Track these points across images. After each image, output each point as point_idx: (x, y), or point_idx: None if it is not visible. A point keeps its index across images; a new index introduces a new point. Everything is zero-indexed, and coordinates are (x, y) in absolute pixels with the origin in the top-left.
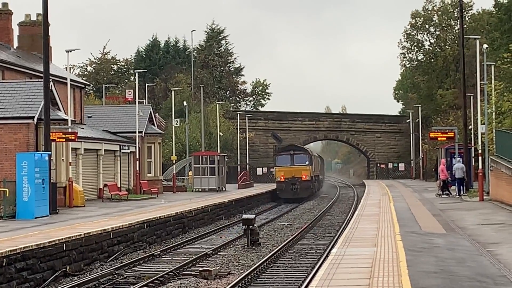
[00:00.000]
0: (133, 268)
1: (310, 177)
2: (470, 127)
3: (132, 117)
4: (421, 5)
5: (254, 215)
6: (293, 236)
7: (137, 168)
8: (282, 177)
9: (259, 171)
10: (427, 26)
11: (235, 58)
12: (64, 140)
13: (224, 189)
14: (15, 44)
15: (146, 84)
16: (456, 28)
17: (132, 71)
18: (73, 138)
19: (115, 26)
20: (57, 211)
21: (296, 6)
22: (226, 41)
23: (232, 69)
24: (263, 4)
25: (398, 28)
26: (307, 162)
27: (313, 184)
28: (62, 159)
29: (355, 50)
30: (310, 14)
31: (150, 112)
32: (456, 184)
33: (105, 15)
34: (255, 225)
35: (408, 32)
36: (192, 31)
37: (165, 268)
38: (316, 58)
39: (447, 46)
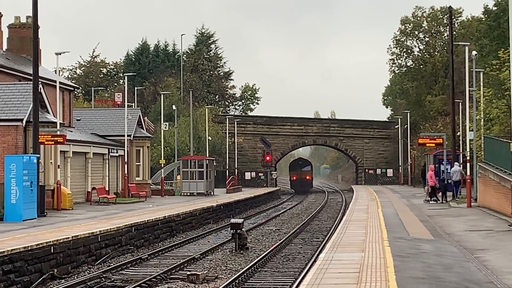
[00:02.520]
0: (120, 272)
1: (311, 178)
2: (458, 134)
3: (121, 121)
4: (401, 11)
5: (242, 220)
6: (281, 240)
7: (126, 172)
8: (294, 178)
9: (248, 175)
10: (416, 33)
11: (224, 63)
12: (52, 143)
13: (212, 193)
14: (5, 47)
15: (135, 88)
16: (445, 34)
17: (121, 75)
18: (62, 141)
19: (104, 29)
20: (45, 214)
21: (274, 12)
22: (215, 45)
23: (221, 74)
24: (242, 10)
25: (378, 34)
26: (309, 168)
27: (312, 182)
28: (51, 162)
29: (336, 55)
30: (288, 20)
31: (139, 115)
32: (453, 188)
33: (95, 18)
34: (243, 229)
35: (397, 38)
36: (181, 35)
37: (153, 271)
38: (298, 63)
39: (436, 53)
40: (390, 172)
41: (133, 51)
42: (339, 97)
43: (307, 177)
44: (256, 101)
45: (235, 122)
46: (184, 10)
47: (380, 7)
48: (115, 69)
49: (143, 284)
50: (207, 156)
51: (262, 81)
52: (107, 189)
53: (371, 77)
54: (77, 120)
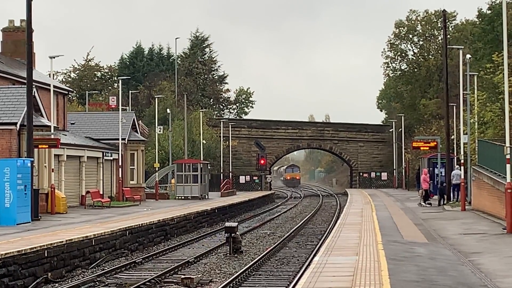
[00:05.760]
0: (114, 275)
1: (299, 177)
2: (452, 137)
3: (115, 124)
4: (386, 17)
5: (236, 223)
6: (276, 244)
7: (120, 175)
8: (288, 177)
9: (242, 179)
10: (410, 36)
11: (219, 66)
12: (46, 146)
13: (206, 197)
14: None
15: (130, 91)
16: (440, 38)
17: (115, 78)
18: (56, 144)
19: (99, 33)
20: (39, 217)
21: (259, 18)
22: (210, 49)
23: (216, 77)
24: (226, 16)
25: (370, 39)
26: (298, 171)
27: (300, 180)
28: (45, 166)
29: (325, 60)
30: (273, 25)
31: (134, 119)
32: (452, 191)
33: (89, 22)
34: (237, 233)
35: (391, 42)
36: (176, 38)
37: (147, 275)
38: (287, 68)
39: (430, 56)
40: (384, 176)
41: (128, 55)
42: (333, 101)
43: (297, 177)
44: (251, 104)
45: (230, 125)
46: (169, 15)
47: (366, 12)
48: (109, 73)
49: None
50: (202, 159)
51: (250, 86)
52: (101, 192)
53: (365, 81)
54: (71, 123)
